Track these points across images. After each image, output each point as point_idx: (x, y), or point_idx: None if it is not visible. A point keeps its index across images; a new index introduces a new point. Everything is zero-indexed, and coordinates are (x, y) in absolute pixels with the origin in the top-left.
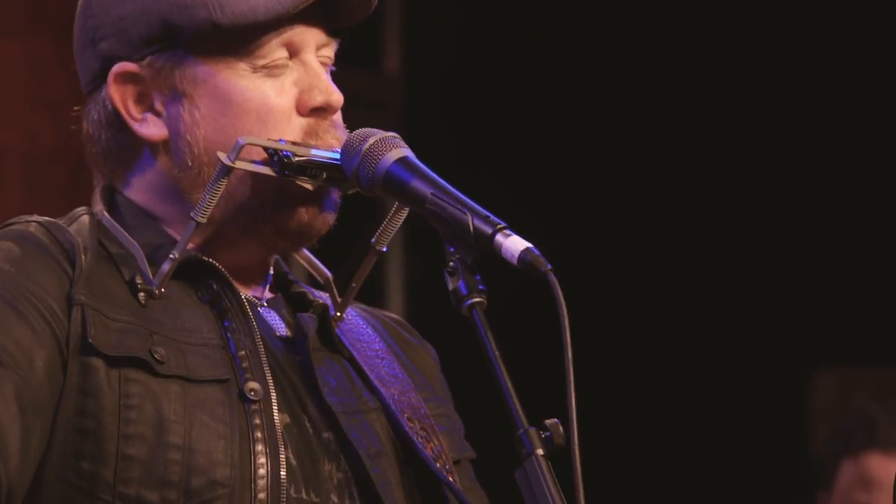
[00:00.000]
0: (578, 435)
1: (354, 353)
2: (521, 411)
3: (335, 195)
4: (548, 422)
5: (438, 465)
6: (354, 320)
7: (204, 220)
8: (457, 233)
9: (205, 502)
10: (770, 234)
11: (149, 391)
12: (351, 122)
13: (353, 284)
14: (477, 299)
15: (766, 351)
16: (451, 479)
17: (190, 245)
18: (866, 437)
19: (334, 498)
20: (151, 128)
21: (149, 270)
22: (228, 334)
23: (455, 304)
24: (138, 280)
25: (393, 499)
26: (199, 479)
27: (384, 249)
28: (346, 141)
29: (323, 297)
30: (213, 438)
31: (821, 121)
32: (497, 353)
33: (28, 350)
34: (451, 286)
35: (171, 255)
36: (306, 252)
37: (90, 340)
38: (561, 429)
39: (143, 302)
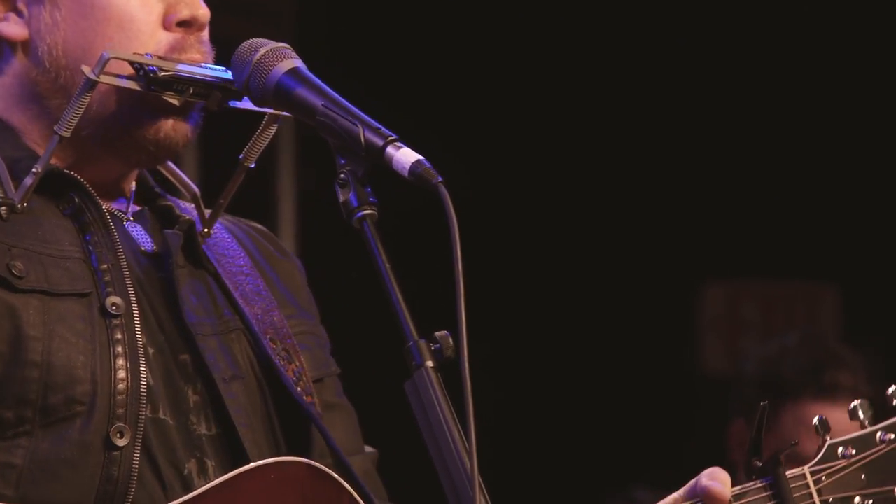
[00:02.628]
0: (468, 347)
1: (219, 270)
2: (411, 323)
3: (198, 112)
4: (438, 334)
5: (299, 388)
6: (220, 234)
7: (68, 134)
8: (348, 145)
9: (61, 420)
10: (656, 153)
11: (7, 307)
12: (243, 32)
13: (221, 200)
14: (367, 211)
15: (653, 266)
16: (310, 401)
17: (52, 160)
18: (809, 382)
19: (192, 418)
20: (13, 27)
21: (10, 184)
22: (90, 248)
23: (346, 216)
24: None
25: (246, 423)
26: (56, 397)
27: (252, 165)
28: (237, 51)
29: (190, 210)
30: (73, 354)
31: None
32: (387, 264)
33: None
34: (341, 198)
35: (34, 169)
36: (173, 166)
37: None
38: (451, 341)
39: (4, 216)
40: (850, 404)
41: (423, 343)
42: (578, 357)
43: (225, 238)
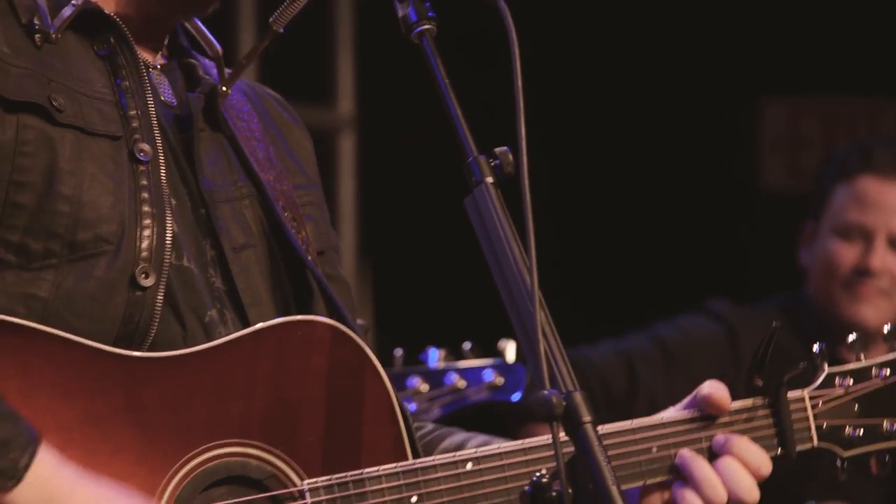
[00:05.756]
0: (528, 163)
1: (236, 133)
2: (470, 139)
3: None
4: (497, 150)
5: (310, 258)
6: (237, 95)
7: None
8: None
9: (88, 257)
10: None
11: (45, 138)
12: None
13: (243, 61)
14: (426, 26)
15: (714, 83)
16: (318, 270)
17: None
18: (862, 161)
19: (210, 271)
20: None
21: (48, 14)
22: (121, 92)
23: (405, 31)
24: (36, 21)
25: (253, 294)
26: (85, 234)
27: (281, 31)
28: None
29: (211, 67)
30: (103, 193)
31: None
32: (447, 80)
33: None
34: (400, 13)
35: (73, 2)
36: (199, 23)
37: None
38: (511, 157)
39: (38, 44)
40: None
41: (482, 159)
42: (641, 176)
43: (241, 100)
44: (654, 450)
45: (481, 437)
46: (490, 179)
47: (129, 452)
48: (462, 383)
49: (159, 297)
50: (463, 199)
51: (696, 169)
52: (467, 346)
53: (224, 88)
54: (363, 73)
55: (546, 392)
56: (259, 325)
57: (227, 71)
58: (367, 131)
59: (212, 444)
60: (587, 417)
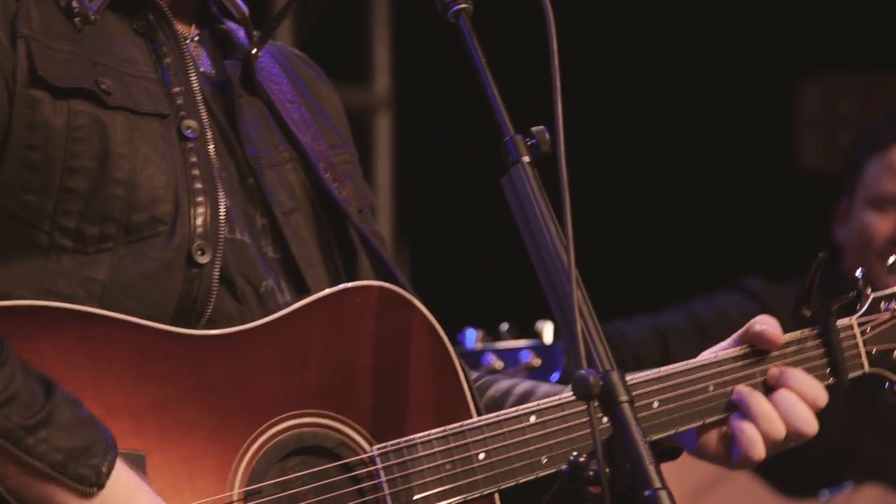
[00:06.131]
0: (565, 142)
1: (272, 96)
2: (507, 118)
3: None
4: (534, 129)
5: (354, 217)
6: (265, 58)
7: None
8: None
9: (144, 238)
10: None
11: (96, 122)
12: None
13: (273, 23)
14: (463, 5)
15: (751, 62)
16: (365, 229)
17: None
18: (893, 132)
19: (262, 241)
20: None
21: None
22: (164, 69)
23: (441, 10)
24: (75, 4)
25: (307, 257)
26: (139, 216)
27: None
28: None
29: (238, 30)
30: (156, 174)
31: None
32: (483, 59)
33: None
34: None
35: None
36: None
37: (39, 73)
38: (547, 136)
39: (79, 27)
40: None
41: (519, 138)
42: (679, 155)
43: (269, 62)
44: (711, 388)
45: (527, 383)
46: (527, 159)
47: (201, 432)
48: (499, 364)
49: (216, 273)
50: (500, 179)
51: (734, 148)
52: (504, 326)
53: (255, 51)
54: (400, 52)
55: (583, 371)
56: (317, 295)
57: (255, 33)
58: (403, 111)
59: (281, 416)
60: (624, 397)
